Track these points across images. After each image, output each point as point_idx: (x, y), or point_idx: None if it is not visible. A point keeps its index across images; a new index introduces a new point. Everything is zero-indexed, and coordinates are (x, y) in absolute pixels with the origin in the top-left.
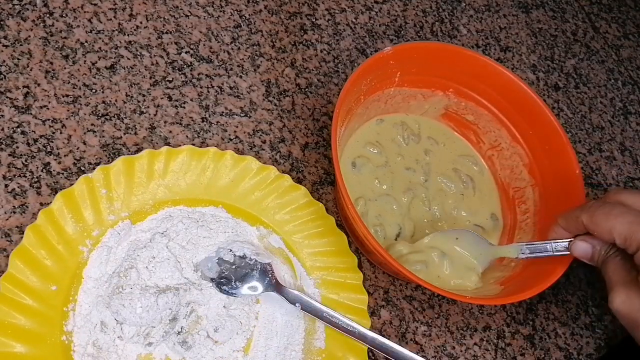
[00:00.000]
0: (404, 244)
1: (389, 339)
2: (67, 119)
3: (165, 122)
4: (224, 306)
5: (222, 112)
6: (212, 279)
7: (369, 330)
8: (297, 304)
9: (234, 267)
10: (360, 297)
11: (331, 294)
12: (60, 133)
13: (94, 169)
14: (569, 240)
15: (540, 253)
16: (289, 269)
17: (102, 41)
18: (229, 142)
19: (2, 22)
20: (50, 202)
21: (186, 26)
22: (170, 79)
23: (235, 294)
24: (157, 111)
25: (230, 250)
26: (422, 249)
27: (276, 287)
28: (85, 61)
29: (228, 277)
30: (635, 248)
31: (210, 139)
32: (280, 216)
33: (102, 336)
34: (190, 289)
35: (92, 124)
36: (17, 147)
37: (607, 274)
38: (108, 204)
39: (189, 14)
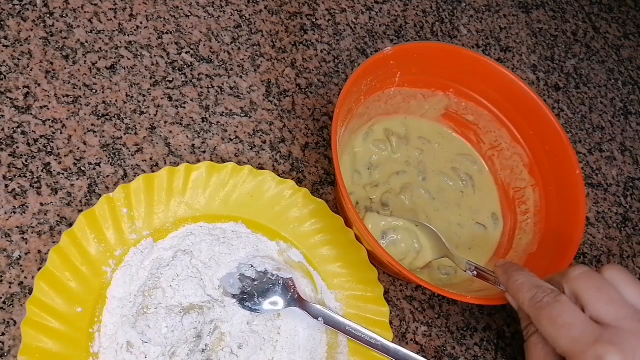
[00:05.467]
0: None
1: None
2: (67, 119)
3: (165, 122)
4: (247, 322)
5: (222, 112)
6: (234, 295)
7: (391, 342)
8: (319, 318)
9: (255, 282)
10: (381, 309)
11: (352, 307)
12: (60, 133)
13: (94, 169)
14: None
15: (484, 278)
16: (310, 282)
17: (102, 41)
18: (229, 142)
19: (2, 22)
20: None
21: (186, 26)
22: (170, 79)
23: (257, 309)
24: (157, 111)
25: (251, 266)
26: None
27: (298, 301)
28: (85, 61)
29: (250, 292)
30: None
31: (210, 139)
32: (299, 230)
33: (129, 356)
34: (213, 306)
35: (92, 124)
36: (17, 147)
37: (530, 356)
38: (130, 223)
39: (189, 14)
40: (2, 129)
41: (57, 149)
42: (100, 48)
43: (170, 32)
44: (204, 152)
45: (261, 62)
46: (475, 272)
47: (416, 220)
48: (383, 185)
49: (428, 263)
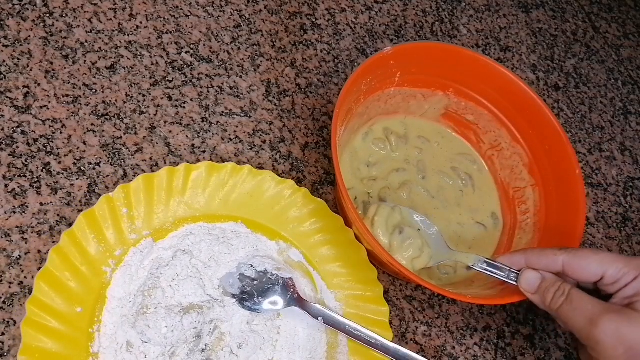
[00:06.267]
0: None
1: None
2: (67, 119)
3: (165, 122)
4: (247, 322)
5: (222, 112)
6: (234, 295)
7: (391, 342)
8: (319, 318)
9: (255, 282)
10: (381, 309)
11: (352, 307)
12: (60, 133)
13: (94, 169)
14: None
15: (494, 272)
16: (310, 282)
17: (102, 41)
18: (229, 142)
19: (2, 22)
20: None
21: (186, 26)
22: (170, 79)
23: (257, 309)
24: (157, 111)
25: (251, 266)
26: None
27: (298, 301)
28: (85, 61)
29: (250, 292)
30: (631, 278)
31: (210, 139)
32: (299, 230)
33: (129, 356)
34: (213, 306)
35: (92, 124)
36: (17, 147)
37: (585, 306)
38: (129, 223)
39: (189, 14)
40: (2, 129)
41: (57, 149)
42: (100, 48)
43: (170, 32)
44: (204, 152)
45: (261, 62)
46: (484, 267)
47: (418, 213)
48: (382, 181)
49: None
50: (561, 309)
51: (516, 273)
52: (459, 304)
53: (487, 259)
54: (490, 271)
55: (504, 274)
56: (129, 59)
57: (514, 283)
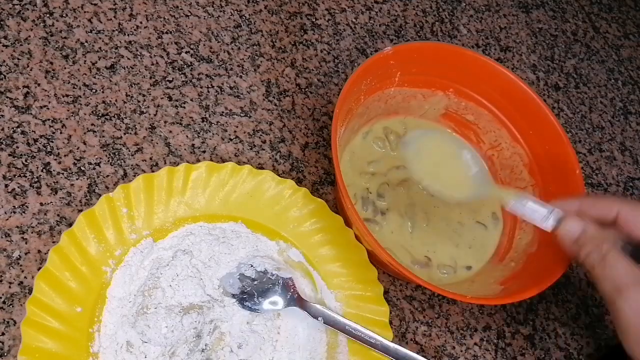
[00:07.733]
0: None
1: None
2: (67, 119)
3: (165, 122)
4: (247, 322)
5: (222, 112)
6: (234, 295)
7: (391, 342)
8: (319, 318)
9: (255, 282)
10: (381, 309)
11: (352, 307)
12: (60, 133)
13: (94, 169)
14: (559, 215)
15: (533, 210)
16: (310, 282)
17: (102, 41)
18: (229, 142)
19: (2, 22)
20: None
21: (186, 26)
22: (170, 79)
23: (257, 309)
24: (157, 111)
25: (251, 266)
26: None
27: (298, 301)
28: (85, 61)
29: (250, 292)
30: None
31: (210, 139)
32: (299, 230)
33: (129, 356)
34: (213, 306)
35: (92, 124)
36: (17, 147)
37: (616, 273)
38: (129, 223)
39: (189, 14)
40: (2, 129)
41: (57, 149)
42: (100, 48)
43: (170, 32)
44: (204, 152)
45: (261, 62)
46: (520, 205)
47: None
48: (381, 176)
49: (428, 262)
50: (594, 270)
51: (558, 218)
52: (459, 304)
53: (530, 198)
54: (530, 208)
55: (544, 212)
56: (129, 59)
57: (549, 228)
